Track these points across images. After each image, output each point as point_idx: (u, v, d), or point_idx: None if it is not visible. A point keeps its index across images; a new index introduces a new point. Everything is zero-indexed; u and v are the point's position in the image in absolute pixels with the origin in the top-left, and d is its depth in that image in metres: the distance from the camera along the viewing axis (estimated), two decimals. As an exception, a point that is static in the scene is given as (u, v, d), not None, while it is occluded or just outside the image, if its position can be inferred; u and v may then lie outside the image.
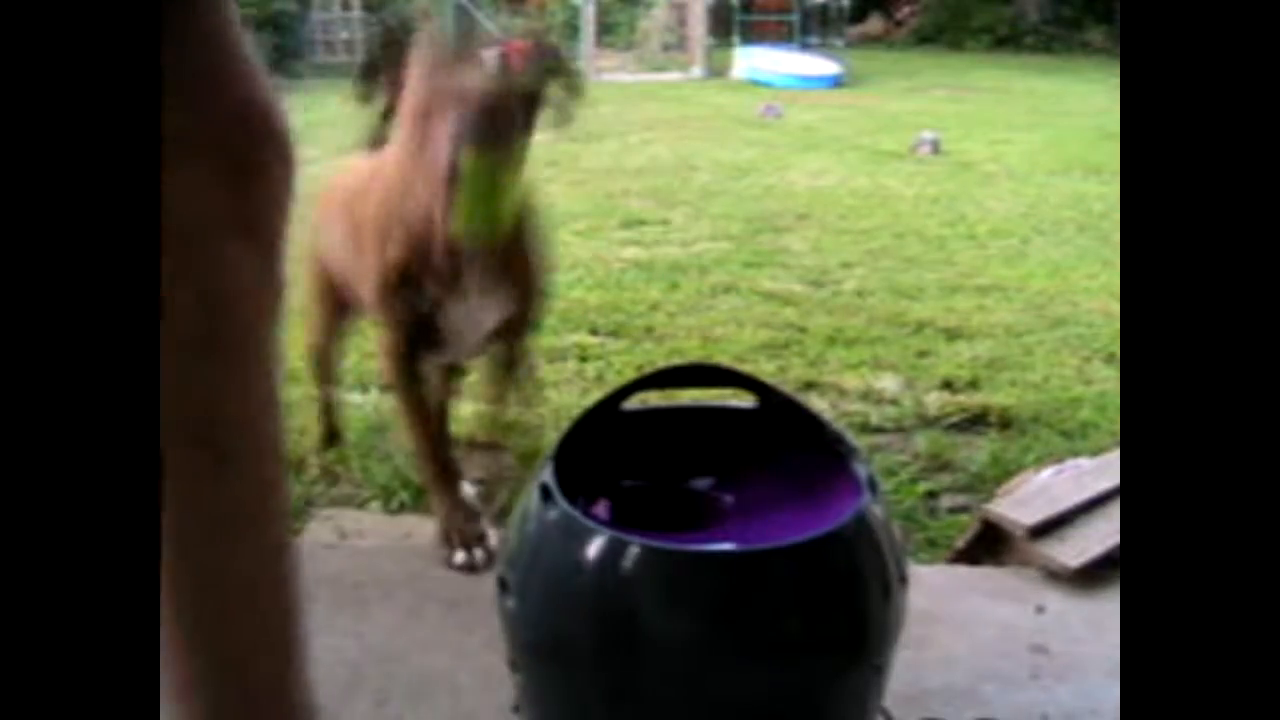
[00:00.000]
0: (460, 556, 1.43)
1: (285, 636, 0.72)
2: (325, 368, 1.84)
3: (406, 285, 1.39)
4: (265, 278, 0.66)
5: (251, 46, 0.65)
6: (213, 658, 0.68)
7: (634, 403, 1.05)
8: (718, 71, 11.04)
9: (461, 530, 1.45)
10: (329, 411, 1.88)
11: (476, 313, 1.43)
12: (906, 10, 14.04)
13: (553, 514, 0.85)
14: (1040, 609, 1.32)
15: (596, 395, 1.28)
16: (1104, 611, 1.31)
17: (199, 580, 0.67)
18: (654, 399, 1.13)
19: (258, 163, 0.64)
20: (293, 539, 0.72)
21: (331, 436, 1.89)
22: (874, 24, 14.14)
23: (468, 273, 1.37)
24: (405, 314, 1.42)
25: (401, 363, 1.47)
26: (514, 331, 1.51)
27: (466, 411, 1.85)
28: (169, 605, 0.66)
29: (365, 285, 1.46)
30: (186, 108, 0.60)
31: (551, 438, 1.29)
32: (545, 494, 0.87)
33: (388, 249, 1.38)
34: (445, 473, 1.50)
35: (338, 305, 1.70)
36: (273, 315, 0.67)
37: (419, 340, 1.45)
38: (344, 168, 1.65)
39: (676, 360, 2.26)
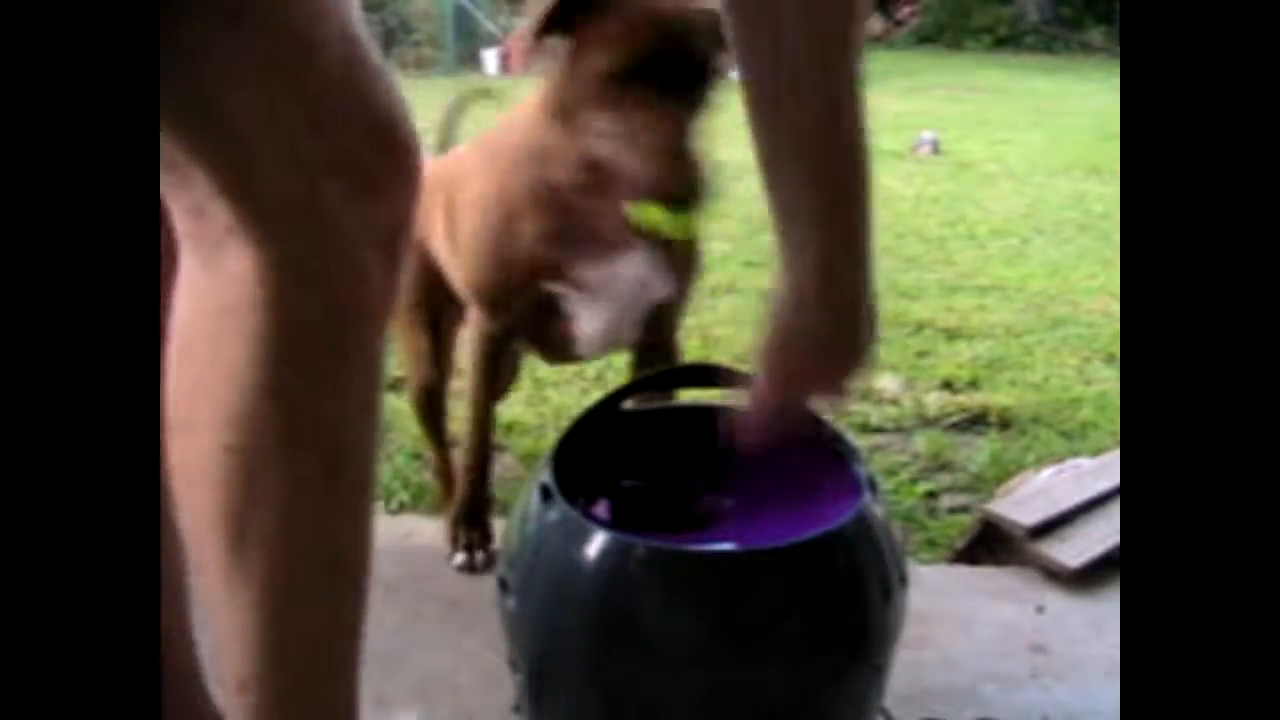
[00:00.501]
0: (460, 558, 1.43)
1: (360, 620, 0.75)
2: (435, 410, 1.61)
3: (527, 286, 1.25)
4: (388, 289, 0.69)
5: (379, 55, 0.67)
6: (298, 641, 0.70)
7: (634, 403, 1.05)
8: (718, 71, 10.99)
9: (467, 530, 1.45)
10: (449, 481, 1.62)
11: (618, 310, 1.28)
12: (906, 10, 14.03)
13: (553, 514, 0.85)
14: (1040, 609, 1.32)
15: (596, 395, 1.29)
16: (1104, 611, 1.31)
17: (303, 567, 0.70)
18: (654, 399, 1.13)
19: (391, 177, 0.67)
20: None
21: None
22: (874, 24, 14.11)
23: (617, 264, 1.23)
24: (519, 312, 1.28)
25: (491, 357, 1.37)
26: (661, 324, 1.35)
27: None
28: (258, 595, 0.68)
29: (466, 275, 1.32)
30: (321, 127, 0.62)
31: (551, 438, 1.29)
32: (545, 494, 0.87)
33: (508, 238, 1.24)
34: (482, 466, 1.46)
35: (441, 314, 1.52)
36: (387, 324, 0.70)
37: (529, 341, 1.32)
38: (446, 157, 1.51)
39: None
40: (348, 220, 0.64)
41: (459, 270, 1.36)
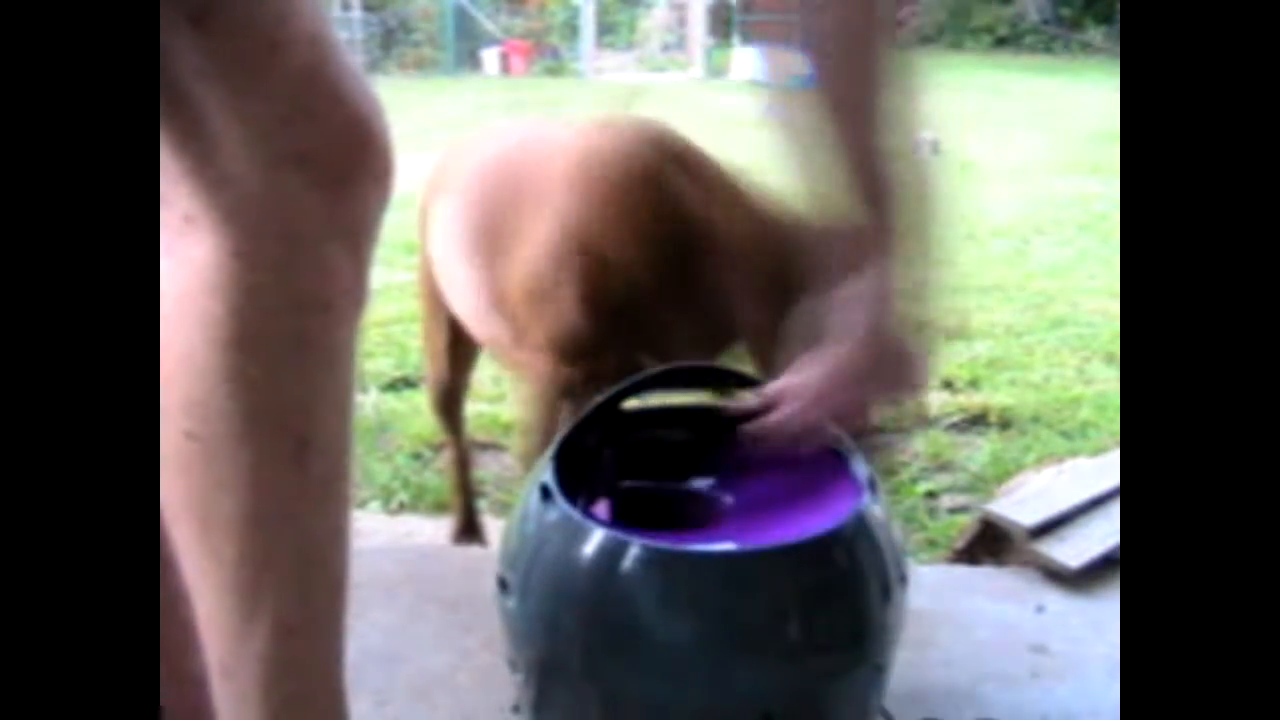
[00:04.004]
0: None
1: (339, 611, 0.75)
2: (454, 410, 1.60)
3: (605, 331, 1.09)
4: (355, 282, 0.69)
5: (351, 54, 0.68)
6: (273, 627, 0.70)
7: (634, 403, 1.04)
8: (717, 72, 11.03)
9: None
10: (464, 475, 1.63)
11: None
12: (906, 10, 14.03)
13: (553, 514, 0.85)
14: (1040, 609, 1.32)
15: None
16: (1104, 611, 1.31)
17: (272, 554, 0.70)
18: (654, 399, 1.13)
19: (357, 174, 0.67)
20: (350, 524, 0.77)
21: (467, 520, 1.63)
22: (874, 24, 14.09)
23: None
24: (586, 366, 1.12)
25: (553, 410, 1.19)
26: None
27: (467, 411, 1.85)
28: (229, 580, 0.69)
29: (542, 324, 1.13)
30: (286, 122, 0.63)
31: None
32: (545, 494, 0.87)
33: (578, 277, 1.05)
34: None
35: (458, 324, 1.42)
36: (356, 318, 0.71)
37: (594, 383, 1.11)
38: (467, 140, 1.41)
39: (676, 360, 2.25)
40: (310, 214, 0.65)
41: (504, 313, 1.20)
